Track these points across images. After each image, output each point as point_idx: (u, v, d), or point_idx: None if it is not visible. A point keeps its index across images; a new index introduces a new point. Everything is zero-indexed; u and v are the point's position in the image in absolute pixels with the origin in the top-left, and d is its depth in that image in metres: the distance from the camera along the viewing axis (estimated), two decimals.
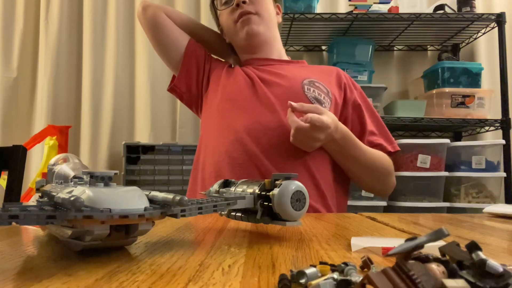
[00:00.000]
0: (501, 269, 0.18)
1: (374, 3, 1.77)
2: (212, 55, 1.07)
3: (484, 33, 1.88)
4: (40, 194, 0.42)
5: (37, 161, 1.96)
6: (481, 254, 0.19)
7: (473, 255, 0.19)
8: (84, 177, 0.41)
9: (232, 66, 1.04)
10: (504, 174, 1.64)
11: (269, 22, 0.98)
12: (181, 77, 1.01)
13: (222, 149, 0.87)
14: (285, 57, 1.04)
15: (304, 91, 0.89)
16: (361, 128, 0.95)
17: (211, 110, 0.96)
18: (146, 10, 1.00)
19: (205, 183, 0.88)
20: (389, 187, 0.97)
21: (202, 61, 1.02)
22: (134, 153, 1.72)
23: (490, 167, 1.64)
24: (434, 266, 0.19)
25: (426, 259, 0.20)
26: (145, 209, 0.31)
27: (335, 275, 0.22)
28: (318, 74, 0.96)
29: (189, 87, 1.02)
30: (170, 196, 0.33)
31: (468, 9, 1.78)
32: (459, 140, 2.02)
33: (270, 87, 0.91)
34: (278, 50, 1.02)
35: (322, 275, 0.23)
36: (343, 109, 0.95)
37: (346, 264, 0.23)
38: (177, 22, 1.02)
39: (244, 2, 0.94)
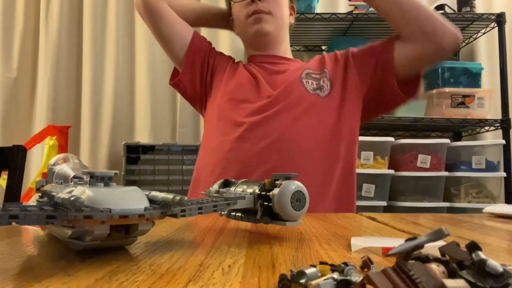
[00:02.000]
0: (501, 269, 0.18)
1: None
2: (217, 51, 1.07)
3: (484, 33, 1.88)
4: (40, 194, 0.42)
5: (37, 161, 1.96)
6: (481, 254, 0.19)
7: (473, 255, 0.19)
8: (84, 177, 0.41)
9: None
10: (504, 174, 1.64)
11: (281, 22, 0.98)
12: (185, 72, 1.00)
13: (225, 147, 0.88)
14: (289, 56, 1.05)
15: (304, 85, 0.91)
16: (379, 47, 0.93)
17: (213, 108, 0.97)
18: (147, 1, 0.96)
19: (209, 182, 0.89)
20: (441, 31, 0.85)
21: (207, 55, 1.01)
22: (134, 153, 1.72)
23: (490, 167, 1.64)
24: (434, 266, 0.19)
25: (426, 259, 0.20)
26: (145, 209, 0.31)
27: (335, 275, 0.22)
28: (313, 63, 0.98)
29: (193, 83, 1.01)
30: (170, 196, 0.33)
31: (468, 9, 1.78)
32: (459, 140, 2.02)
33: (271, 83, 0.92)
34: (284, 50, 1.03)
35: (322, 275, 0.23)
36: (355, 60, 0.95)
37: (346, 264, 0.23)
38: (180, 10, 0.99)
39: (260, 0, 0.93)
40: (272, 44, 0.99)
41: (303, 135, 0.86)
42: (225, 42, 1.96)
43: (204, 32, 1.97)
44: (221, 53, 1.06)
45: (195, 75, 1.01)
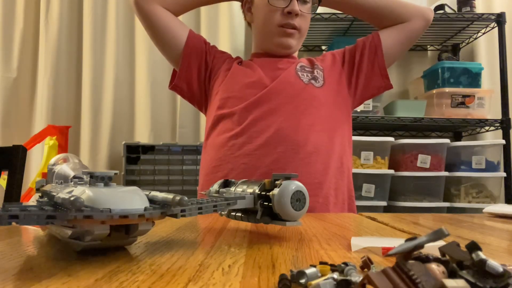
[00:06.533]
0: (501, 269, 0.18)
1: None
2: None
3: (484, 33, 1.88)
4: (40, 194, 0.42)
5: (37, 161, 1.96)
6: (481, 254, 0.19)
7: (473, 255, 0.19)
8: (84, 177, 0.41)
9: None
10: (504, 174, 1.64)
11: (304, 37, 1.01)
12: (181, 75, 1.00)
13: (229, 143, 0.89)
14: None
15: (300, 77, 0.94)
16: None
17: (214, 106, 0.97)
18: (138, 4, 0.95)
19: (216, 178, 0.90)
20: (413, 11, 0.98)
21: (204, 56, 1.00)
22: (134, 153, 1.72)
23: (490, 167, 1.64)
24: (434, 266, 0.19)
25: (426, 259, 0.20)
26: (145, 209, 0.31)
27: (335, 275, 0.22)
28: (306, 60, 1.02)
29: (190, 85, 1.01)
30: (170, 196, 0.33)
31: (468, 9, 1.78)
32: (459, 140, 2.02)
33: (271, 77, 0.93)
34: (293, 53, 1.03)
35: (322, 275, 0.23)
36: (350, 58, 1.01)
37: (346, 264, 0.23)
38: (175, 7, 0.98)
39: (296, 15, 0.92)
40: (287, 53, 1.00)
41: (304, 124, 0.88)
42: (225, 41, 1.96)
43: (204, 33, 1.97)
44: (220, 51, 1.05)
45: (192, 77, 1.00)
